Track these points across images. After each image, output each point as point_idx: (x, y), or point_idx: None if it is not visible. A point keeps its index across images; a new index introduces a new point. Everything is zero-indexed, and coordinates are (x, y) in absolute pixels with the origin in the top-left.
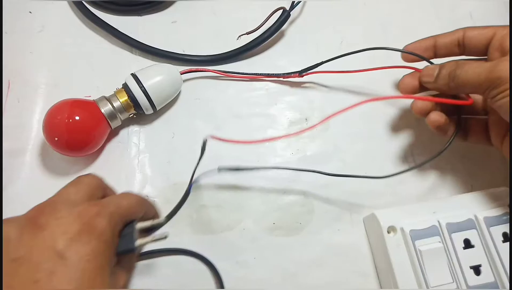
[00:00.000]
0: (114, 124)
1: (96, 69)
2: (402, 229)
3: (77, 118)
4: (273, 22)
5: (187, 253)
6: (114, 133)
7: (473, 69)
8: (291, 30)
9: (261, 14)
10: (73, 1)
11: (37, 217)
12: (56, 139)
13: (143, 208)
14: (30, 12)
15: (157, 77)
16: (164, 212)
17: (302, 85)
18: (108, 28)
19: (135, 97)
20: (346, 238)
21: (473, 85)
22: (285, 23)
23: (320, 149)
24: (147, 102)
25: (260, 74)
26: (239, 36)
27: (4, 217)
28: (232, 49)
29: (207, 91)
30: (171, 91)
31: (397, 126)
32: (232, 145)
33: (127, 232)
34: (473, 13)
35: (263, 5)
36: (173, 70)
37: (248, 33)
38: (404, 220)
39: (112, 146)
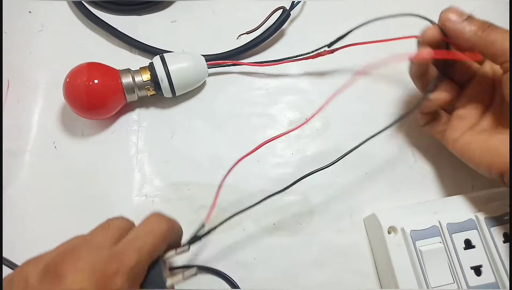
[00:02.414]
0: (130, 98)
1: None
2: (402, 230)
3: (96, 81)
4: (273, 21)
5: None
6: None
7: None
8: (291, 30)
9: (261, 13)
10: (72, 1)
11: (58, 264)
12: (73, 96)
13: (170, 238)
14: (30, 12)
15: (183, 63)
16: (163, 211)
17: (302, 85)
18: (107, 28)
19: (157, 77)
20: (346, 238)
21: (502, 47)
22: (285, 22)
23: (320, 149)
24: (168, 84)
25: (289, 58)
26: (239, 35)
27: (4, 217)
28: (232, 49)
29: (207, 91)
30: (194, 80)
31: (398, 127)
32: (232, 146)
33: (155, 274)
34: (474, 13)
35: (263, 5)
36: (201, 61)
37: (248, 33)
38: (405, 220)
39: (111, 145)
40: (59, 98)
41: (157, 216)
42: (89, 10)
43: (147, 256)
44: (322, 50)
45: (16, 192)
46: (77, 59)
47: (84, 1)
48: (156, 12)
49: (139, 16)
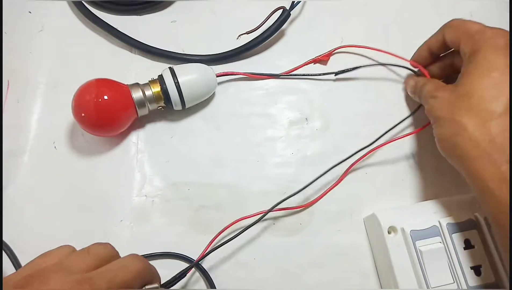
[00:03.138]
0: (142, 112)
1: (96, 69)
2: (402, 230)
3: (105, 97)
4: (273, 21)
5: (177, 257)
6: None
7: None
8: (291, 30)
9: (261, 13)
10: (72, 1)
11: (24, 286)
12: (83, 115)
13: (144, 278)
14: (30, 12)
15: (193, 75)
16: (163, 211)
17: (301, 85)
18: (107, 28)
19: (167, 90)
20: (346, 238)
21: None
22: (285, 22)
23: (320, 149)
24: (178, 97)
25: (297, 75)
26: (239, 35)
27: (4, 217)
28: (232, 49)
29: None
30: (204, 91)
31: (397, 127)
32: (232, 146)
33: None
34: (474, 13)
35: (263, 5)
36: (210, 72)
37: (248, 33)
38: (405, 221)
39: (111, 145)
40: (59, 98)
41: (134, 256)
42: (89, 10)
43: (117, 287)
44: (328, 76)
45: (16, 192)
46: (77, 59)
47: (84, 1)
48: (156, 12)
49: (139, 16)
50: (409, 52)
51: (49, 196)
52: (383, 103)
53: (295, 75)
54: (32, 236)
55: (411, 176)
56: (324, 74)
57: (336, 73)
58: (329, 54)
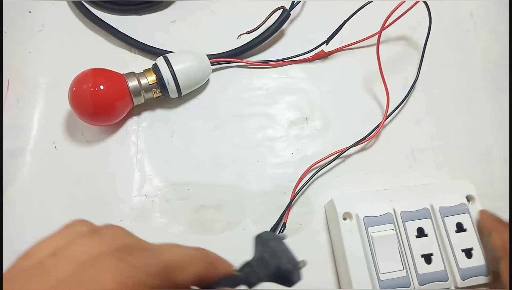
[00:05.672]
0: (137, 101)
1: None
2: (357, 216)
3: (102, 86)
4: (273, 21)
5: None
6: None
7: None
8: (291, 30)
9: (261, 13)
10: (72, 1)
11: None
12: (80, 104)
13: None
14: (30, 12)
15: (187, 62)
16: (163, 211)
17: (301, 85)
18: (107, 28)
19: (163, 79)
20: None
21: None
22: (285, 22)
23: (320, 149)
24: (174, 85)
25: (287, 59)
26: (239, 35)
27: (4, 217)
28: (232, 48)
29: (207, 91)
30: (199, 78)
31: (396, 126)
32: (232, 146)
33: None
34: (473, 12)
35: (263, 5)
36: (204, 59)
37: (248, 33)
38: (361, 207)
39: (110, 145)
40: (59, 98)
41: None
42: (89, 10)
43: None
44: (320, 49)
45: (16, 191)
46: (77, 59)
47: (84, 1)
48: (156, 12)
49: (139, 16)
50: (409, 50)
51: (50, 196)
52: (382, 103)
53: (288, 58)
54: (33, 235)
55: (411, 176)
56: (316, 47)
57: (327, 41)
58: (330, 52)
